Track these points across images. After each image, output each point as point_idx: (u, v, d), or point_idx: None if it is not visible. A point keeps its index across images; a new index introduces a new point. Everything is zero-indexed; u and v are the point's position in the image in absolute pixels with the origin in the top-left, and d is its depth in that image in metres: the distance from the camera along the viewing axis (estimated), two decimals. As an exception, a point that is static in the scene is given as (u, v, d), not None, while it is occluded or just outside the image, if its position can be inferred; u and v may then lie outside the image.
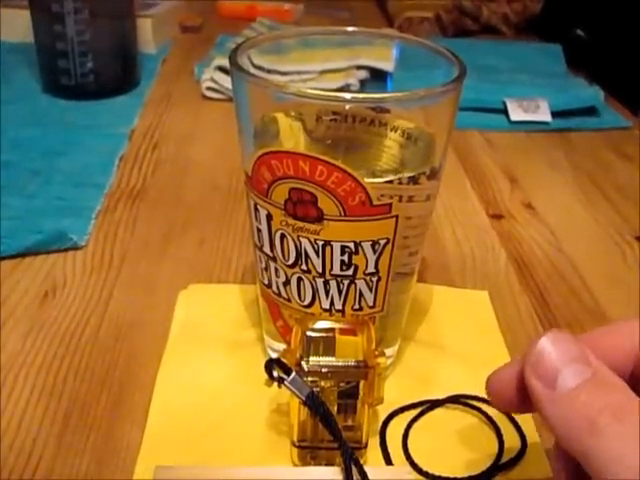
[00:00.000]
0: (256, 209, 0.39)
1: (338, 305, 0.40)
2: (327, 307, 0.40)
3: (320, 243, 0.37)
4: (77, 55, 0.83)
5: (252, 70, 0.39)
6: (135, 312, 0.52)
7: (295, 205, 0.37)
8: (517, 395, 0.31)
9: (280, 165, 0.36)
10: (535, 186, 0.73)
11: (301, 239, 0.38)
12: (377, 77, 0.77)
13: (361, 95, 0.37)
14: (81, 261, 0.57)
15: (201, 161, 0.74)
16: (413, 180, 0.37)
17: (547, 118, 0.86)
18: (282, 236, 0.38)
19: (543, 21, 1.16)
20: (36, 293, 0.53)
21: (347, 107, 0.40)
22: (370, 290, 0.40)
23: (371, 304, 0.40)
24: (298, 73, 0.79)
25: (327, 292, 0.39)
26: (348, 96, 0.36)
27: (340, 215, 0.36)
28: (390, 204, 0.36)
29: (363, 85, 0.80)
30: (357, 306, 0.40)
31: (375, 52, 0.84)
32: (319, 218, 0.36)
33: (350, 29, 0.46)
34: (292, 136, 0.41)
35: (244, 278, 0.56)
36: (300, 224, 0.37)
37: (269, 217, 0.38)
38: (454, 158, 0.78)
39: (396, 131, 0.40)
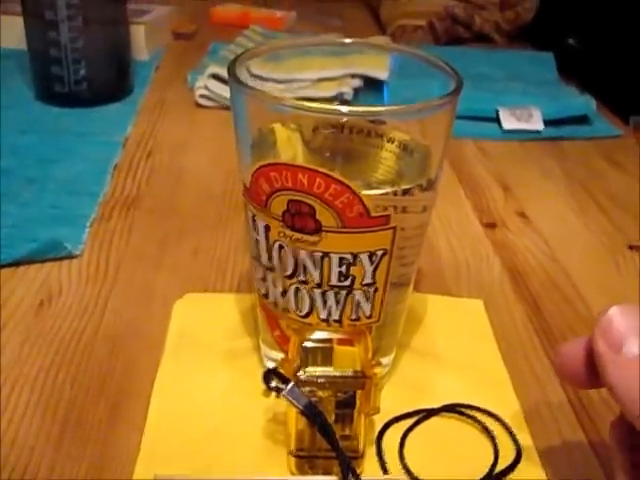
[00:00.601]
0: (254, 220, 0.39)
1: (335, 315, 0.40)
2: (325, 317, 0.40)
3: (318, 254, 0.37)
4: (70, 62, 0.83)
5: (250, 79, 0.39)
6: (131, 321, 0.52)
7: (293, 217, 0.37)
8: (585, 368, 0.33)
9: (279, 177, 0.36)
10: (528, 195, 0.74)
11: (299, 250, 0.38)
12: (371, 85, 0.78)
13: (358, 108, 0.37)
14: (76, 270, 0.57)
15: (195, 169, 0.75)
16: (410, 192, 0.38)
17: (539, 127, 0.86)
18: (280, 247, 0.38)
19: (535, 29, 1.17)
20: (31, 302, 0.53)
21: (344, 119, 0.40)
22: (367, 300, 0.40)
23: (368, 314, 0.41)
24: (293, 81, 0.80)
25: (325, 302, 0.40)
26: (345, 109, 0.36)
27: (338, 227, 0.36)
28: (387, 216, 0.37)
29: (357, 93, 0.80)
30: (354, 316, 0.40)
31: (369, 61, 0.85)
32: (317, 230, 0.37)
33: (347, 40, 0.47)
34: (290, 147, 0.41)
35: (240, 287, 0.56)
36: (298, 235, 0.37)
37: (267, 228, 0.38)
38: (448, 167, 0.78)
39: (392, 142, 0.40)
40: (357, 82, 0.80)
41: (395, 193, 0.37)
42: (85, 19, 0.82)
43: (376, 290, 0.39)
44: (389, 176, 0.40)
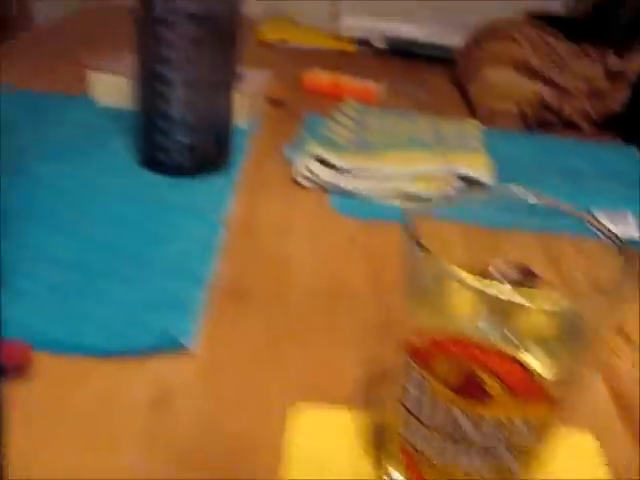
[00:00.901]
0: (414, 375, 0.40)
1: (482, 470, 0.40)
2: (470, 471, 0.41)
3: (477, 418, 0.38)
4: (177, 133, 0.84)
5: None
6: (246, 426, 0.52)
7: (460, 383, 0.37)
8: None
9: (456, 351, 0.36)
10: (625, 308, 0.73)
11: (457, 412, 0.38)
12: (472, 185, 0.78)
13: (537, 297, 0.37)
14: (188, 365, 0.57)
15: (299, 257, 0.75)
16: (572, 364, 0.38)
17: (635, 233, 0.85)
18: (436, 404, 0.39)
19: (625, 120, 1.16)
20: (143, 400, 0.53)
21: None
22: (516, 460, 0.40)
23: (516, 473, 0.41)
24: (390, 175, 0.80)
25: (472, 460, 0.40)
26: (521, 299, 0.35)
27: (503, 396, 0.37)
28: (552, 389, 0.37)
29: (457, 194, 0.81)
30: (501, 473, 0.41)
31: (471, 160, 0.85)
32: (483, 398, 0.37)
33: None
34: (458, 302, 0.41)
35: (354, 397, 0.56)
36: (461, 400, 0.38)
37: (427, 387, 0.39)
38: (544, 262, 0.77)
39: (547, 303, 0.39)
40: (459, 182, 0.81)
41: (560, 367, 0.38)
42: (198, 94, 0.83)
43: (527, 452, 0.40)
44: (553, 347, 0.40)
